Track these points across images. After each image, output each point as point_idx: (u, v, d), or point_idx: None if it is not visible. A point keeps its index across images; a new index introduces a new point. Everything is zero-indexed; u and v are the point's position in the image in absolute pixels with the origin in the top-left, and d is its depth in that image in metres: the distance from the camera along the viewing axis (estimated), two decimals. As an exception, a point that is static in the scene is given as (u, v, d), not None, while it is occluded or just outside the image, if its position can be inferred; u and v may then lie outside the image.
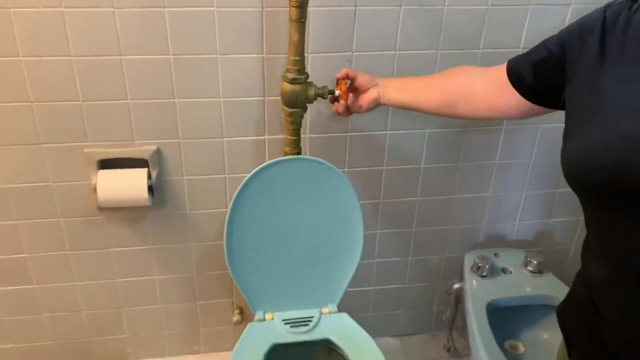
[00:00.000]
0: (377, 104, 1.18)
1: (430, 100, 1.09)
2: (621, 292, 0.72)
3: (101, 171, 1.32)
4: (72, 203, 1.39)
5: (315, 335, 1.30)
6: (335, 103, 1.21)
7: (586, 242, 0.80)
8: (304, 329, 1.31)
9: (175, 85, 1.29)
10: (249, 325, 1.31)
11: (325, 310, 1.36)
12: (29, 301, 1.51)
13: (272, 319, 1.33)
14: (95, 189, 1.33)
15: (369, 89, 1.17)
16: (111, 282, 1.53)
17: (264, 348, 1.24)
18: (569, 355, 0.86)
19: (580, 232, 1.72)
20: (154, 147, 1.35)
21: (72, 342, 1.61)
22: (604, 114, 0.68)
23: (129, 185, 1.32)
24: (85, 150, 1.32)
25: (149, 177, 1.36)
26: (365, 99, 1.17)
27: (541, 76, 0.85)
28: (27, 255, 1.45)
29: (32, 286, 1.49)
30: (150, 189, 1.37)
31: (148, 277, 1.55)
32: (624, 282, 0.71)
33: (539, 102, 0.88)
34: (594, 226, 0.75)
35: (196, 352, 1.73)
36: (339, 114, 1.20)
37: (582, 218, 0.98)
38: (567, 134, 0.74)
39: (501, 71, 0.93)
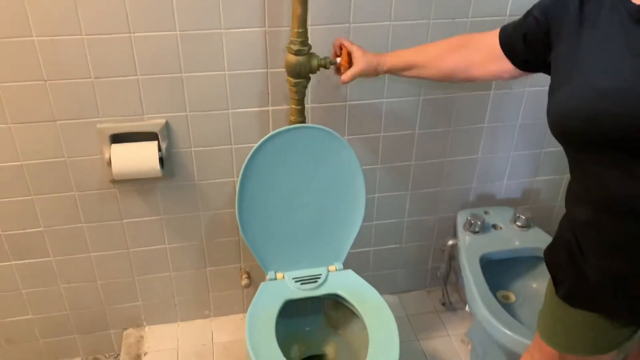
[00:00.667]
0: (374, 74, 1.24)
1: (429, 77, 1.19)
2: (601, 229, 0.83)
3: (114, 145, 1.38)
4: (86, 177, 1.45)
5: (324, 290, 1.39)
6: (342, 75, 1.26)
7: (570, 187, 0.91)
8: (313, 285, 1.39)
9: (182, 61, 1.34)
10: (262, 284, 1.39)
11: (332, 267, 1.44)
12: (46, 273, 1.57)
13: (283, 277, 1.41)
14: (108, 163, 1.39)
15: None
16: (124, 252, 1.60)
17: (278, 304, 1.33)
18: (556, 291, 0.96)
19: (564, 189, 1.82)
20: (163, 121, 1.41)
21: (88, 311, 1.67)
22: (582, 73, 0.78)
23: (142, 157, 1.38)
24: (98, 125, 1.37)
25: (159, 149, 1.42)
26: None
27: (531, 45, 0.94)
28: (44, 229, 1.50)
29: (49, 258, 1.55)
30: (161, 160, 1.42)
31: (159, 246, 1.62)
32: (604, 219, 0.82)
33: (529, 69, 0.99)
34: (577, 171, 0.86)
35: (207, 316, 1.81)
36: (344, 82, 1.26)
37: (566, 176, 1.06)
38: (552, 92, 0.84)
39: (494, 40, 1.02)
